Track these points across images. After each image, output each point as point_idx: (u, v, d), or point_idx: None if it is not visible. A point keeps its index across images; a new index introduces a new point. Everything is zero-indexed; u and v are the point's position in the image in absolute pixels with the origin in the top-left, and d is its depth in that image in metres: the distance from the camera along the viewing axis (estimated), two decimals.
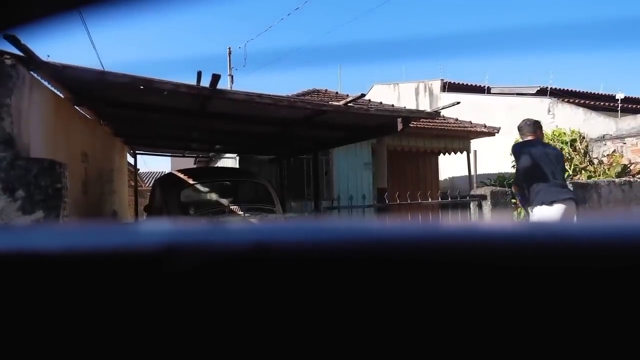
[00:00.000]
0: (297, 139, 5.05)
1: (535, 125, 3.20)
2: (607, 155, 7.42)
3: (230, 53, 13.35)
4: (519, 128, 3.26)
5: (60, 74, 2.52)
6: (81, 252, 0.31)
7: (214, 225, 0.35)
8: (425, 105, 11.21)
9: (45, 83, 2.73)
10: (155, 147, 6.88)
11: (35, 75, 2.47)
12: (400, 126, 4.00)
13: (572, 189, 3.41)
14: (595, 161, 7.03)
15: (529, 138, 3.16)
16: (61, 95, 3.04)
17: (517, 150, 3.16)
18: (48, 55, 2.42)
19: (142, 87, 2.66)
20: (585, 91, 11.15)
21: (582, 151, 6.94)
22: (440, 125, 7.60)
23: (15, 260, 0.31)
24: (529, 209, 3.14)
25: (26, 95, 2.25)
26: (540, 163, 2.99)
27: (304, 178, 7.13)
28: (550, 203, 2.92)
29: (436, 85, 11.66)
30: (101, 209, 4.38)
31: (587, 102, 9.43)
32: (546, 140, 7.38)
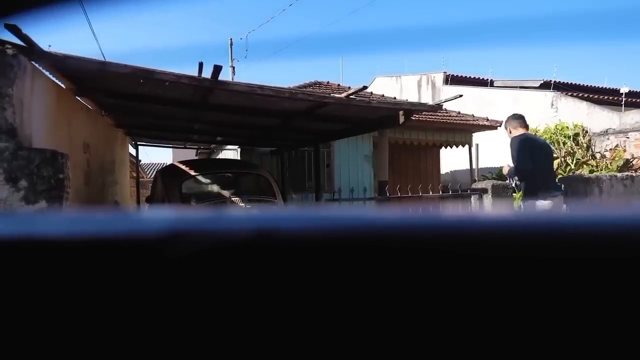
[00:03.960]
0: (298, 131, 5.04)
1: (524, 119, 3.20)
2: (610, 149, 7.39)
3: (231, 44, 13.28)
4: (507, 122, 3.23)
5: (61, 64, 2.51)
6: (82, 238, 0.31)
7: (215, 212, 0.35)
8: (427, 98, 11.16)
9: (47, 73, 2.73)
10: (156, 139, 6.89)
11: (36, 65, 2.46)
12: (402, 119, 3.99)
13: (560, 184, 3.45)
14: (598, 155, 7.01)
15: (521, 131, 3.14)
16: (63, 85, 3.03)
17: (519, 148, 3.03)
18: (49, 45, 2.41)
19: (143, 79, 2.65)
20: (589, 85, 11.07)
21: (585, 145, 6.92)
22: (442, 119, 7.57)
23: (17, 246, 0.31)
24: (521, 203, 3.20)
25: (28, 85, 2.25)
26: (539, 163, 3.01)
27: (305, 170, 7.13)
28: (542, 198, 2.98)
29: (439, 77, 11.59)
30: (103, 199, 4.40)
31: (590, 95, 9.35)
32: (549, 134, 7.38)
